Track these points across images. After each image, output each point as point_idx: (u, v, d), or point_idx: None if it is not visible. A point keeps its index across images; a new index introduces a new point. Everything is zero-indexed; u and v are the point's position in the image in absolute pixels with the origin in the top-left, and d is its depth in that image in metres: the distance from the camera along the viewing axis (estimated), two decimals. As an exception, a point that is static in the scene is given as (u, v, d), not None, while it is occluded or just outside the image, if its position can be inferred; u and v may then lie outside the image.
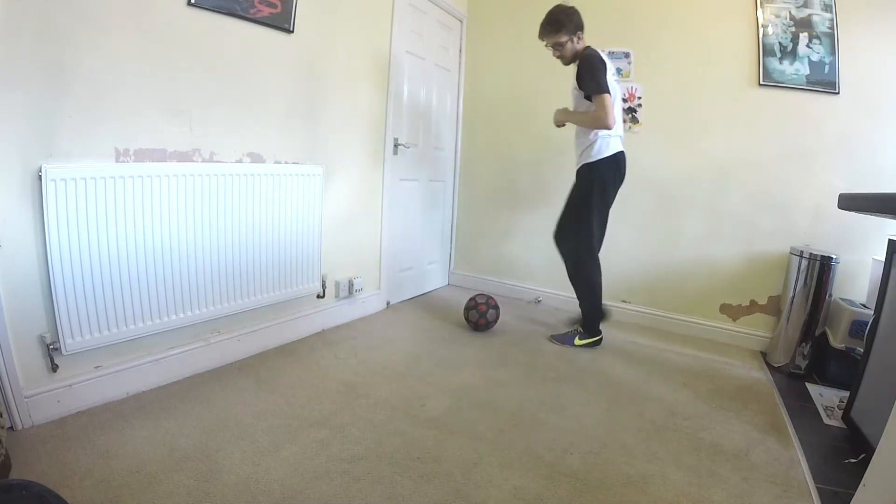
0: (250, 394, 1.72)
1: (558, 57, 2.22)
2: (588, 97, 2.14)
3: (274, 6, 1.91)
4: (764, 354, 2.49)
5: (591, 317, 2.43)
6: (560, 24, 2.12)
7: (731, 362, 2.37)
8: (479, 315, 2.49)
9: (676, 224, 2.75)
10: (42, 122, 1.35)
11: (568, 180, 2.40)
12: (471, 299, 2.55)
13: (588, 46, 2.17)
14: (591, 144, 2.22)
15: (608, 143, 2.21)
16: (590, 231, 2.31)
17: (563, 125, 2.35)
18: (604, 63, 2.12)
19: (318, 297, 2.36)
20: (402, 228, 2.91)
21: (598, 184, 2.26)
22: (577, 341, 2.41)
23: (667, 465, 1.46)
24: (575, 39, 2.15)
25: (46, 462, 1.25)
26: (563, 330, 2.58)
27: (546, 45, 2.21)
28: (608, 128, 2.13)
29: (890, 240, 1.64)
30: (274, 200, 2.01)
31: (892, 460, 0.98)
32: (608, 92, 2.08)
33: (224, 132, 1.84)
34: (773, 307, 2.53)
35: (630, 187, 2.85)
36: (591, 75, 2.08)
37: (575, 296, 2.48)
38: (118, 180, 1.49)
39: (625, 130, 2.83)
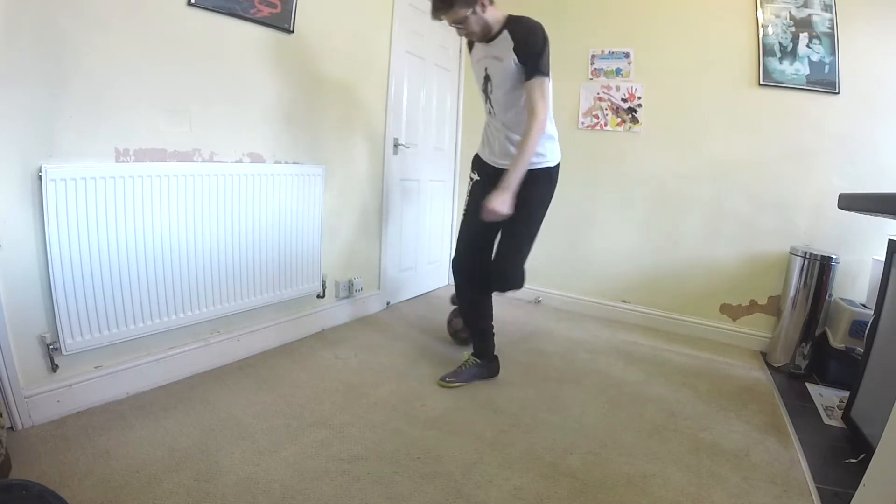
0: (250, 394, 1.72)
1: (466, 35, 1.76)
2: (525, 77, 1.66)
3: (274, 6, 1.91)
4: (764, 354, 2.48)
5: (490, 344, 2.02)
6: None
7: (731, 362, 2.37)
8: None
9: (676, 224, 2.75)
10: (42, 122, 1.35)
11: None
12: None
13: (510, 15, 1.73)
14: (549, 138, 1.79)
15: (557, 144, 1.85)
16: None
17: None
18: None
19: (318, 297, 2.36)
20: (402, 228, 2.91)
21: (551, 195, 1.86)
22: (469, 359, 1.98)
23: (667, 465, 1.46)
24: (479, 8, 1.65)
25: (46, 462, 1.25)
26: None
27: (451, 25, 1.72)
28: (544, 127, 1.69)
29: (890, 240, 1.64)
30: (274, 200, 2.00)
31: (892, 460, 0.98)
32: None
33: (224, 132, 1.84)
34: (773, 307, 2.53)
35: (630, 187, 2.87)
36: (545, 48, 1.66)
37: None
38: (118, 180, 1.49)
39: (625, 130, 2.85)
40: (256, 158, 1.97)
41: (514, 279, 1.86)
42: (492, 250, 1.93)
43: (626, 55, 2.76)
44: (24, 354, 1.39)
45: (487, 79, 1.83)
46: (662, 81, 2.70)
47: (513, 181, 1.66)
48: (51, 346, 1.43)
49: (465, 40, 1.95)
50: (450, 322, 2.37)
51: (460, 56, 3.26)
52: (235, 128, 1.88)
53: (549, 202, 1.87)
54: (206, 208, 1.76)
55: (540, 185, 1.80)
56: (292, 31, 2.01)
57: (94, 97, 1.45)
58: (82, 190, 1.41)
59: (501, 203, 1.65)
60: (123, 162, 1.54)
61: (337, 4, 2.24)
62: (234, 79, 1.84)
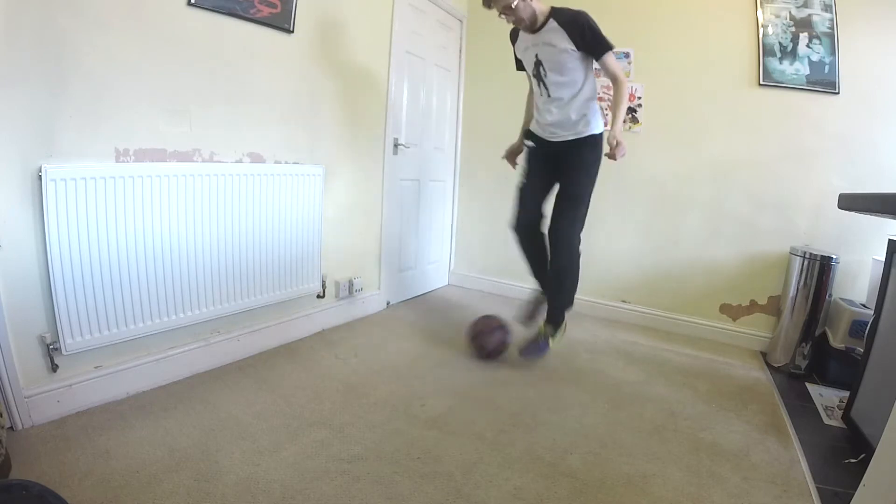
0: (250, 394, 1.72)
1: (515, 23, 1.91)
2: (595, 58, 1.92)
3: (274, 6, 1.91)
4: (764, 354, 2.48)
5: (564, 308, 2.16)
6: None
7: (731, 362, 2.37)
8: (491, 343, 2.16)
9: (676, 224, 2.75)
10: (42, 122, 1.35)
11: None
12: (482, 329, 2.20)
13: (555, 7, 1.90)
14: (595, 110, 1.99)
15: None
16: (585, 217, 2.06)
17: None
18: None
19: (318, 297, 2.36)
20: (402, 228, 2.91)
21: (598, 162, 2.00)
22: (553, 343, 2.15)
23: (667, 465, 1.46)
24: None
25: (46, 462, 1.25)
26: (529, 338, 2.19)
27: (500, 16, 1.87)
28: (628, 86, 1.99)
29: (890, 240, 1.64)
30: (274, 200, 2.00)
31: (892, 460, 0.99)
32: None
33: (224, 132, 1.84)
34: (773, 307, 2.53)
35: (630, 187, 2.87)
36: (597, 26, 1.87)
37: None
38: (118, 180, 1.49)
39: (625, 130, 2.85)
40: (256, 158, 1.97)
41: (567, 236, 2.02)
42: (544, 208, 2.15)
43: (626, 55, 2.76)
44: (24, 354, 1.39)
45: (539, 64, 1.97)
46: (662, 81, 2.70)
47: (618, 129, 1.87)
48: (51, 346, 1.43)
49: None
50: (475, 336, 2.20)
51: (460, 56, 3.26)
52: (235, 128, 1.88)
53: (597, 170, 2.02)
54: (206, 208, 1.76)
55: (588, 150, 1.99)
56: (292, 31, 2.01)
57: (94, 97, 1.45)
58: (82, 190, 1.41)
59: (623, 147, 1.84)
60: (123, 162, 1.54)
61: (337, 4, 2.24)
62: (233, 79, 1.84)
